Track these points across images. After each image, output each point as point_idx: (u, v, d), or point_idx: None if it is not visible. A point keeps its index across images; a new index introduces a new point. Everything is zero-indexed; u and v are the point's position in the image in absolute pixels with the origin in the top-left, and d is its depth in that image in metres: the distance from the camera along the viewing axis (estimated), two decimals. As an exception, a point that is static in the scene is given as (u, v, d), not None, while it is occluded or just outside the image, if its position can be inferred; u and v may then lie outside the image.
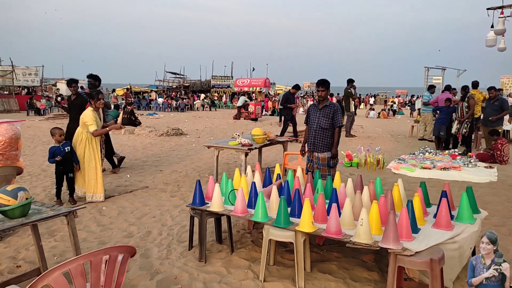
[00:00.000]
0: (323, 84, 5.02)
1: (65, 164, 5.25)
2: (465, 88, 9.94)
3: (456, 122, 9.69)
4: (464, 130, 9.58)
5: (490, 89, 9.75)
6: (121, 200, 5.62)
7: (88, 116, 5.29)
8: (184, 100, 28.57)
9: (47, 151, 5.29)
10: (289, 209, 3.42)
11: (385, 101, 34.34)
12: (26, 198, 2.88)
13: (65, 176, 5.33)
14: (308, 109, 5.31)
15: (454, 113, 9.90)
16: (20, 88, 28.58)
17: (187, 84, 37.90)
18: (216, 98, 32.81)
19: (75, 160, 5.35)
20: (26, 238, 4.19)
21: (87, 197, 5.42)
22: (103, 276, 2.16)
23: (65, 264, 1.99)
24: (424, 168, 7.76)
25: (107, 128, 5.39)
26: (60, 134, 5.22)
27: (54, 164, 5.25)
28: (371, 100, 34.37)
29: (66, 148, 5.23)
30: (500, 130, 9.42)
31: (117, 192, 5.99)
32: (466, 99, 9.61)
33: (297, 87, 11.81)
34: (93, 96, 5.54)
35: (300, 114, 20.25)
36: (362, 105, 33.36)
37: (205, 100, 29.71)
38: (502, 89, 9.62)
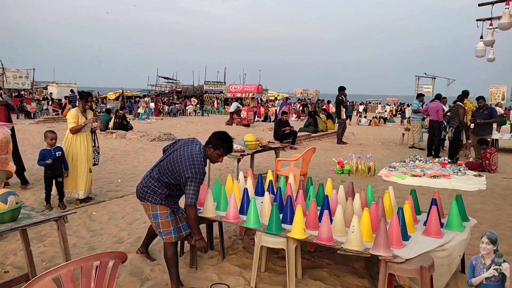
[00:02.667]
0: None
1: (54, 168, 5.20)
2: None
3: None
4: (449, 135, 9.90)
5: (479, 98, 9.92)
6: (112, 205, 5.57)
7: (70, 115, 5.43)
8: (177, 105, 28.50)
9: (37, 155, 5.24)
10: (281, 215, 3.43)
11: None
12: (16, 203, 2.86)
13: (54, 180, 5.29)
14: None
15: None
16: (11, 91, 28.32)
17: (179, 89, 37.87)
18: (209, 103, 32.82)
19: (64, 166, 5.31)
20: (14, 243, 4.13)
21: (84, 193, 5.53)
22: (93, 282, 2.14)
23: (55, 270, 1.97)
24: (414, 175, 7.84)
25: (82, 123, 5.38)
26: (52, 137, 5.18)
27: (43, 168, 5.21)
28: (361, 108, 34.50)
29: (57, 153, 5.18)
30: (489, 139, 9.57)
31: (108, 197, 5.94)
32: (455, 108, 9.98)
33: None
34: (83, 97, 5.54)
35: (292, 120, 20.34)
36: (354, 113, 33.57)
37: (197, 105, 29.68)
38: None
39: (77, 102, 5.74)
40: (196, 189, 3.14)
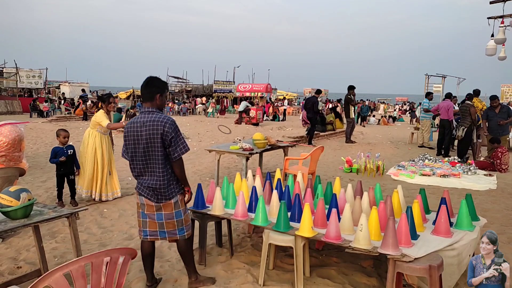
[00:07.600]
0: None
1: (66, 166, 5.28)
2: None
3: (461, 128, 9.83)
4: (459, 134, 9.75)
5: (493, 98, 9.68)
6: (122, 203, 5.64)
7: (100, 114, 5.50)
8: (186, 104, 28.67)
9: (49, 153, 5.32)
10: (289, 213, 3.44)
11: (402, 109, 34.27)
12: (29, 199, 2.91)
13: (66, 178, 5.37)
14: None
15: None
16: (24, 90, 28.74)
17: (189, 89, 38.00)
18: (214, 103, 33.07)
19: (76, 164, 5.39)
20: (27, 239, 4.21)
21: (108, 196, 5.64)
22: (103, 278, 2.18)
23: (66, 265, 2.01)
24: (423, 175, 7.77)
25: (119, 124, 5.66)
26: (65, 136, 5.26)
27: (55, 166, 5.29)
28: None
29: (69, 151, 5.27)
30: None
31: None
32: (465, 107, 9.86)
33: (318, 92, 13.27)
34: (104, 99, 5.61)
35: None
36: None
37: (206, 104, 29.82)
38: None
39: (99, 104, 5.87)
40: None
